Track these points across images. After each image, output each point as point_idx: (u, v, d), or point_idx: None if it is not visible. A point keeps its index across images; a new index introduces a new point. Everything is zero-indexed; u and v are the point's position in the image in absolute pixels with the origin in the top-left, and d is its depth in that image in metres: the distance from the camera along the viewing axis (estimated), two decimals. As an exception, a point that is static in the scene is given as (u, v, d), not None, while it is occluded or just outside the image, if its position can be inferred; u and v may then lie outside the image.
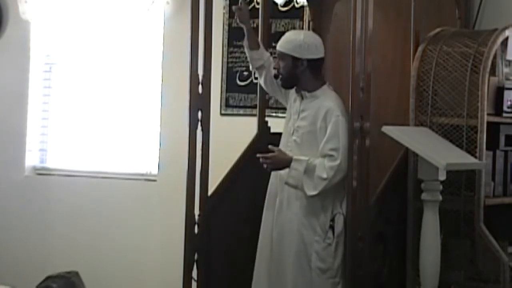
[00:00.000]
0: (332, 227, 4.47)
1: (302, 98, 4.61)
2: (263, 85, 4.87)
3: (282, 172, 4.53)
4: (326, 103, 4.52)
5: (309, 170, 4.41)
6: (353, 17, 4.41)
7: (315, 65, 4.58)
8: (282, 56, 4.58)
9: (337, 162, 4.38)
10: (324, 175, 4.38)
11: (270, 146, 4.53)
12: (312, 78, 4.58)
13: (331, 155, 4.40)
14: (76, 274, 3.80)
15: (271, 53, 4.91)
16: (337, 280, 4.47)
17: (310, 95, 4.58)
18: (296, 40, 4.58)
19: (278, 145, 4.63)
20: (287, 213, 4.56)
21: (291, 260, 4.51)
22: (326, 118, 4.48)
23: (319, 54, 4.60)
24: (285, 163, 4.47)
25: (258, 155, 4.50)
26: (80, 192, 6.31)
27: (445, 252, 4.34)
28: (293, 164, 4.44)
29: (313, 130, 4.51)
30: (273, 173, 4.64)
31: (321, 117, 4.49)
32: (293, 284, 4.50)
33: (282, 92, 4.76)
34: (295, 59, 4.55)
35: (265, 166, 4.50)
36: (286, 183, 4.49)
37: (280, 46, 4.60)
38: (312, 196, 4.41)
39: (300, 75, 4.57)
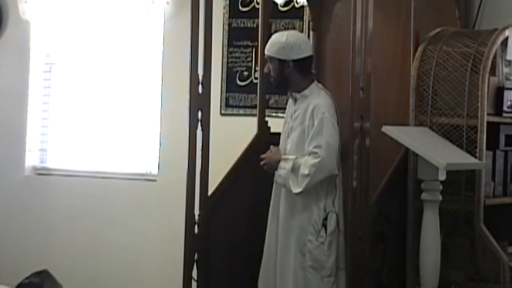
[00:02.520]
0: (324, 226, 4.47)
1: (295, 100, 4.62)
2: None
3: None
4: (314, 101, 4.52)
5: (295, 169, 4.42)
6: (353, 17, 4.41)
7: (303, 64, 4.56)
8: (270, 59, 4.59)
9: (319, 159, 4.37)
10: (306, 172, 4.38)
11: (272, 146, 4.56)
12: (301, 78, 4.57)
13: (315, 153, 4.41)
14: (46, 273, 3.78)
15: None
16: (332, 279, 4.46)
17: (301, 96, 4.58)
18: (280, 42, 4.57)
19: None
20: (282, 214, 4.56)
21: (288, 261, 4.51)
22: (313, 115, 4.48)
23: (305, 53, 4.58)
24: (276, 163, 4.49)
25: (261, 156, 4.54)
26: (80, 192, 6.30)
27: (445, 252, 4.34)
28: (280, 163, 4.47)
29: (303, 129, 4.52)
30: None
31: (309, 115, 4.50)
32: (289, 283, 4.50)
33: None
34: (281, 61, 4.55)
35: (265, 167, 4.53)
36: (275, 181, 4.53)
37: (267, 49, 4.61)
38: (298, 194, 4.42)
39: (289, 76, 4.56)
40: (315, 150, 4.40)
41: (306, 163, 4.39)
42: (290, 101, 4.68)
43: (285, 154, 4.55)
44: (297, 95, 4.59)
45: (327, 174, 4.40)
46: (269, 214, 4.69)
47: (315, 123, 4.44)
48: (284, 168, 4.45)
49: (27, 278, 3.74)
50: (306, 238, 4.48)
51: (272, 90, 5.15)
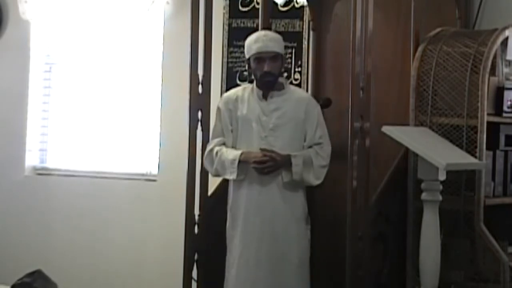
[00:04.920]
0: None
1: (265, 98, 4.58)
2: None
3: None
4: (302, 95, 4.68)
5: (306, 163, 4.48)
6: (353, 17, 4.41)
7: None
8: (275, 56, 4.53)
9: (330, 147, 4.56)
10: (324, 163, 4.52)
11: (260, 148, 4.49)
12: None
13: (320, 143, 4.54)
14: (39, 273, 3.77)
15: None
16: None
17: (278, 93, 4.57)
18: (280, 39, 4.62)
19: None
20: (276, 206, 4.50)
21: (291, 239, 4.53)
22: (308, 109, 4.56)
23: None
24: (283, 162, 4.46)
25: (253, 165, 4.44)
26: (80, 192, 6.31)
27: (445, 252, 4.34)
28: (294, 160, 4.46)
29: (295, 124, 4.54)
30: (251, 186, 4.51)
31: (303, 109, 4.55)
32: (294, 252, 4.52)
33: (230, 122, 4.63)
34: (283, 57, 4.60)
35: (265, 170, 4.44)
36: (293, 180, 4.47)
37: (274, 46, 4.54)
38: (317, 185, 4.52)
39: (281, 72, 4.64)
40: (321, 140, 4.54)
41: (319, 155, 4.50)
42: (251, 99, 4.58)
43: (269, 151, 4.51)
44: (275, 93, 4.57)
45: None
46: (243, 220, 4.55)
47: (314, 116, 4.55)
48: (298, 164, 4.46)
49: (19, 279, 3.75)
50: (304, 232, 4.56)
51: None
